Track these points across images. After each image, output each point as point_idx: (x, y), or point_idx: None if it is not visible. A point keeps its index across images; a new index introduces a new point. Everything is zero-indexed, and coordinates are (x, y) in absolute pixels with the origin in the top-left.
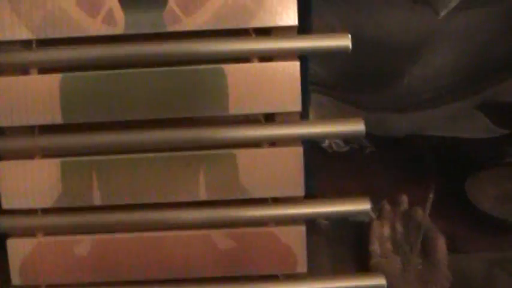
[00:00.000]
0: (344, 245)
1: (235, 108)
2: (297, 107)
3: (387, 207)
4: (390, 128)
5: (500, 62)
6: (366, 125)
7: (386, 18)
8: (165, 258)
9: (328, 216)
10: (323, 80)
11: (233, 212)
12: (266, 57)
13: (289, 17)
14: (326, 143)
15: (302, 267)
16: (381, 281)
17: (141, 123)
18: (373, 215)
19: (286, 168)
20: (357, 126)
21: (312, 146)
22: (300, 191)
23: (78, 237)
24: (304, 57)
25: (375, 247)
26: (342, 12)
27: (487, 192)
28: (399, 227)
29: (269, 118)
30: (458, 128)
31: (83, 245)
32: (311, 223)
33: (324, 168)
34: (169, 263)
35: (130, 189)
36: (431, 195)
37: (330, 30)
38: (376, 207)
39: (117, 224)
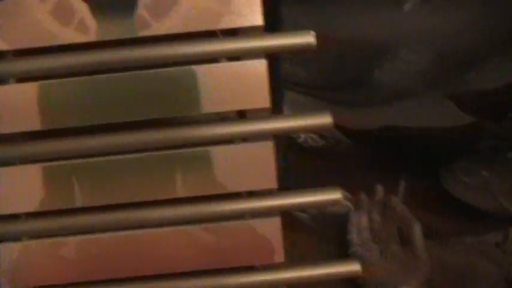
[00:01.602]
0: (327, 238)
1: (207, 107)
2: (266, 103)
3: (364, 197)
4: (365, 122)
5: (467, 52)
6: (342, 120)
7: (357, 17)
8: (148, 255)
9: (301, 207)
10: (301, 80)
11: (210, 207)
12: (234, 57)
13: (255, 17)
14: (302, 139)
15: (279, 257)
16: (356, 267)
17: (118, 126)
18: (351, 206)
19: (258, 163)
20: (324, 119)
21: (289, 143)
22: (273, 184)
23: (63, 239)
24: (275, 57)
25: (353, 236)
26: (313, 13)
27: (461, 180)
28: (376, 216)
29: (241, 115)
30: (430, 118)
31: (68, 246)
32: (291, 218)
33: (302, 163)
34: (152, 260)
35: (110, 190)
36: (402, 183)
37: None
38: (354, 198)
39: (99, 225)
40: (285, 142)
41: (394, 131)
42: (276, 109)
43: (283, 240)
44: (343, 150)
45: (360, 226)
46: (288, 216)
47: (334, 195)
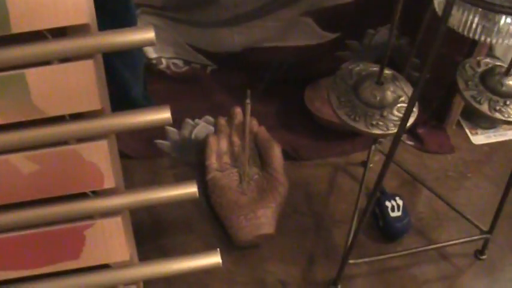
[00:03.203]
0: (189, 165)
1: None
2: (86, 18)
3: (222, 121)
4: (225, 44)
5: None
6: (202, 42)
7: None
8: None
9: (128, 128)
10: (152, 1)
11: (30, 133)
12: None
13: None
14: (164, 65)
15: (110, 182)
16: (193, 188)
17: None
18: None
19: (79, 83)
20: (146, 34)
21: (151, 70)
22: (97, 105)
23: None
24: None
25: (212, 161)
26: None
27: (325, 99)
28: (236, 140)
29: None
30: (290, 37)
31: None
32: (153, 147)
33: (165, 90)
34: None
35: None
36: (247, 101)
37: None
38: (216, 121)
39: None
40: (141, 68)
41: (256, 52)
42: None
43: (113, 164)
44: (209, 74)
45: (219, 151)
46: (149, 145)
47: (163, 114)
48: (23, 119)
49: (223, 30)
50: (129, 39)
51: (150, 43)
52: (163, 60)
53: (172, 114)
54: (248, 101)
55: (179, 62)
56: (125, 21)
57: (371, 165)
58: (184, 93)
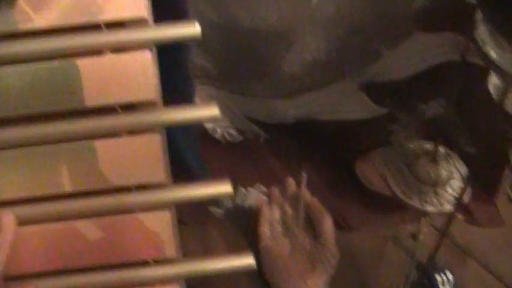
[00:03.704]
0: (241, 232)
1: (91, 100)
2: (152, 95)
3: (275, 191)
4: (280, 115)
5: (375, 41)
6: (256, 113)
7: (261, 8)
8: (35, 253)
9: (190, 200)
10: (209, 73)
11: (97, 201)
12: (118, 49)
13: (139, 10)
14: (219, 134)
15: (171, 252)
16: (250, 260)
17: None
18: (265, 199)
19: (145, 156)
20: (211, 111)
21: (206, 139)
22: (162, 178)
23: None
24: (184, 48)
25: (264, 230)
26: (219, 8)
27: (376, 172)
28: (288, 210)
29: (128, 108)
30: (343, 111)
31: None
32: (205, 213)
33: (219, 158)
34: (40, 256)
35: None
36: (304, 174)
37: (208, 25)
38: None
39: None
40: (197, 137)
41: (309, 125)
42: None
43: (180, 234)
44: (262, 144)
45: (272, 220)
46: (200, 210)
47: (224, 187)
48: (90, 188)
49: (278, 102)
50: (194, 115)
51: (214, 119)
52: (218, 130)
53: None
54: (304, 174)
55: (233, 132)
56: (184, 94)
57: (420, 236)
58: (237, 162)
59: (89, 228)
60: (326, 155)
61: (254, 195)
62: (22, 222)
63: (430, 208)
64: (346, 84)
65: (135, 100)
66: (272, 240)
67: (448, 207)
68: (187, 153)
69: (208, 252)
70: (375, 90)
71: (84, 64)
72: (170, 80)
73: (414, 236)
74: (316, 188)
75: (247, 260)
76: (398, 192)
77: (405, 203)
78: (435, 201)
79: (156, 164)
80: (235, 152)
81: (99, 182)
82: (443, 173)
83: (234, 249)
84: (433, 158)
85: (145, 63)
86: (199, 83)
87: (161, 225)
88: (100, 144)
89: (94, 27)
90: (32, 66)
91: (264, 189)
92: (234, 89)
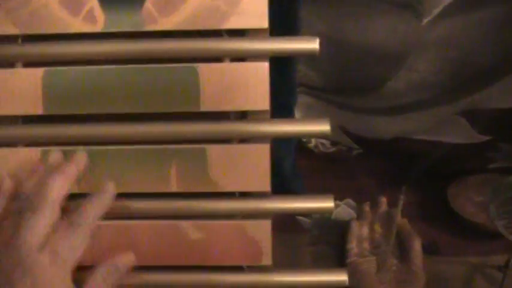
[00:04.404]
0: (328, 244)
1: (207, 105)
2: (265, 106)
3: (367, 208)
4: (377, 131)
5: (482, 69)
6: (354, 126)
7: (372, 24)
8: (137, 246)
9: (292, 212)
10: (312, 82)
11: (202, 204)
12: (237, 57)
13: (260, 20)
14: (312, 144)
15: (267, 260)
16: (343, 277)
17: (118, 116)
18: (354, 215)
19: (253, 165)
20: (322, 127)
21: (300, 147)
22: (266, 187)
23: None
24: (291, 60)
25: (352, 246)
26: (329, 19)
27: (470, 198)
28: (378, 228)
29: (240, 115)
30: (442, 133)
31: None
32: (293, 222)
33: (310, 168)
34: (141, 251)
35: (105, 179)
36: (402, 197)
37: (318, 36)
38: (360, 207)
39: None
40: (295, 146)
41: (405, 142)
42: (287, 111)
43: (272, 243)
44: (354, 157)
45: (360, 236)
46: (289, 219)
47: (326, 203)
48: (198, 190)
49: (377, 118)
50: (305, 129)
51: (324, 135)
52: (313, 139)
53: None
54: (402, 197)
55: (327, 143)
56: (287, 102)
57: (509, 270)
58: (328, 173)
59: (191, 229)
60: (419, 175)
61: (342, 209)
62: (127, 216)
63: None
64: (448, 108)
65: (249, 109)
66: (359, 257)
67: None
68: (283, 158)
69: (295, 261)
70: (477, 117)
71: (204, 69)
72: (275, 86)
73: (503, 268)
74: (406, 208)
75: (341, 277)
76: (501, 228)
77: (495, 238)
78: None
79: (262, 173)
80: (326, 162)
81: (206, 185)
82: None
83: (321, 262)
84: None
85: (262, 73)
86: (301, 92)
87: (261, 234)
88: (211, 149)
89: (215, 34)
90: (154, 67)
91: (353, 203)
92: (335, 100)
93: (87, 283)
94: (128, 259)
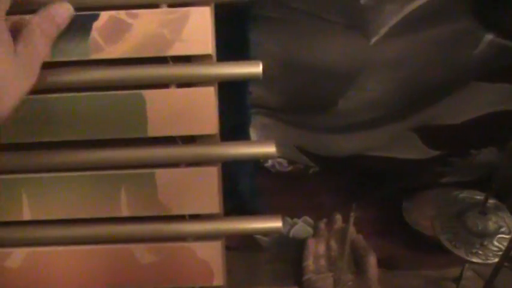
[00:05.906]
0: (285, 262)
1: (154, 130)
2: (213, 130)
3: (322, 225)
4: (333, 149)
5: (431, 87)
6: (310, 145)
7: (324, 45)
8: (89, 271)
9: (241, 233)
10: (268, 103)
11: (153, 227)
12: (183, 83)
13: (204, 46)
14: (269, 163)
15: (219, 280)
16: None
17: (68, 143)
18: (311, 232)
19: (202, 187)
20: (268, 149)
21: (258, 167)
22: (216, 209)
23: (9, 249)
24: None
25: (308, 263)
26: (282, 41)
27: (423, 212)
28: (334, 245)
29: (190, 139)
30: (395, 149)
31: (13, 257)
32: (252, 241)
33: (267, 187)
34: (93, 276)
35: (57, 206)
36: (352, 214)
37: (270, 58)
38: (316, 224)
39: (43, 238)
40: (254, 166)
41: (360, 159)
42: (242, 133)
43: (231, 262)
44: (311, 175)
45: (316, 253)
46: (248, 238)
47: (275, 223)
48: (149, 214)
49: (332, 137)
50: (252, 151)
51: (271, 157)
52: (269, 160)
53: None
54: (353, 213)
55: (284, 162)
56: (240, 123)
57: (463, 281)
58: (285, 191)
59: (142, 252)
60: (373, 191)
61: (300, 226)
62: (79, 241)
63: (475, 259)
64: (401, 125)
65: (196, 133)
66: (316, 275)
67: (494, 260)
68: (243, 181)
69: (254, 280)
70: (428, 133)
71: (150, 95)
72: (228, 109)
73: (456, 280)
74: (362, 224)
75: None
76: (445, 242)
77: (452, 252)
78: (481, 253)
79: (211, 196)
80: (283, 181)
81: (156, 208)
82: (491, 225)
83: (279, 280)
84: (482, 209)
85: (208, 98)
86: (256, 113)
87: (212, 255)
88: (160, 173)
89: (161, 61)
90: (101, 94)
91: (310, 221)
92: (290, 120)
93: (21, 33)
94: (64, 8)
